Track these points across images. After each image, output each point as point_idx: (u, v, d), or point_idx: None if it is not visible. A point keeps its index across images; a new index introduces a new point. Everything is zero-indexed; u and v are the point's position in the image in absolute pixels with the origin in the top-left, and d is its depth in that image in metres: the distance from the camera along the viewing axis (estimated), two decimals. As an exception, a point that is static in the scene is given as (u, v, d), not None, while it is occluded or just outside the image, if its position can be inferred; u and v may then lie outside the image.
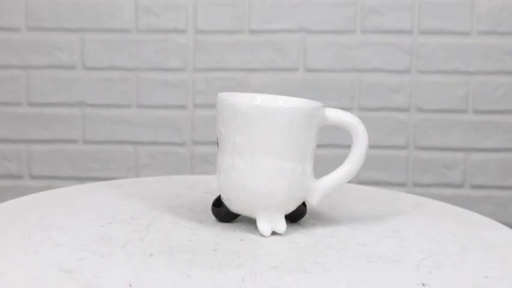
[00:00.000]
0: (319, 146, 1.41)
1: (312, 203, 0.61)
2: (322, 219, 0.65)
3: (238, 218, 0.64)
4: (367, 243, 0.58)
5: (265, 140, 0.58)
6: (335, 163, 1.41)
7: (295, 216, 0.63)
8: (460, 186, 1.41)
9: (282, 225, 0.60)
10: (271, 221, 0.60)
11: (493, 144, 1.40)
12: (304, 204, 0.63)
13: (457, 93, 1.39)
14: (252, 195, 0.59)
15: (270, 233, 0.60)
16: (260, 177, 0.58)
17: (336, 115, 0.61)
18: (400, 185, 1.41)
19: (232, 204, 0.61)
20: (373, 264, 0.53)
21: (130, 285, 0.49)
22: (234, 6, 1.39)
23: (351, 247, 0.57)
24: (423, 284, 0.50)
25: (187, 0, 1.39)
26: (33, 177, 1.43)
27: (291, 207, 0.60)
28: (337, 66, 1.39)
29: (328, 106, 1.40)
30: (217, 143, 0.61)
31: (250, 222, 0.63)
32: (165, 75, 1.41)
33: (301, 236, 0.60)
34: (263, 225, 0.59)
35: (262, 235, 0.59)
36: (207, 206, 0.68)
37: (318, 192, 0.61)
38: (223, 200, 0.62)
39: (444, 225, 0.64)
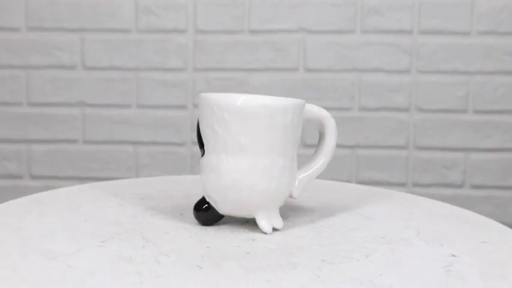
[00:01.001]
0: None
1: (295, 196, 0.63)
2: (319, 213, 0.65)
3: (223, 219, 0.64)
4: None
5: (270, 139, 0.59)
6: (335, 163, 1.41)
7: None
8: (460, 186, 1.41)
9: (279, 220, 0.61)
10: (270, 218, 0.60)
11: (493, 144, 1.40)
12: None
13: (457, 93, 1.39)
14: (255, 194, 0.60)
15: (272, 229, 0.61)
16: (263, 176, 0.59)
17: (312, 110, 0.63)
18: (400, 185, 1.41)
19: (227, 206, 0.60)
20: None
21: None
22: (234, 6, 1.39)
23: (350, 240, 0.57)
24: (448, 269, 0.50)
25: (187, 0, 1.39)
26: (33, 177, 1.43)
27: (283, 202, 0.62)
28: (337, 66, 1.39)
29: (329, 106, 1.41)
30: (203, 145, 0.61)
31: (237, 223, 0.63)
32: (165, 75, 1.41)
33: (301, 230, 0.60)
34: (265, 223, 0.60)
35: (264, 232, 0.60)
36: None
37: (300, 185, 0.63)
38: (212, 203, 0.61)
39: (444, 225, 0.64)
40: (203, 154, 0.61)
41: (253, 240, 0.59)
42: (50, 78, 1.41)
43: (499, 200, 1.41)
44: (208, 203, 0.61)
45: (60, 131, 1.42)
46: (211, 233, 0.60)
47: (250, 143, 0.59)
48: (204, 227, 0.61)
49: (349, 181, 1.40)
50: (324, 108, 1.43)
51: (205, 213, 0.62)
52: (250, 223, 0.63)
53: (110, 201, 0.70)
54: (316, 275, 0.50)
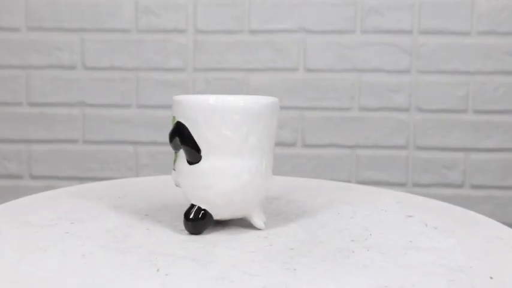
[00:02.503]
0: (319, 146, 1.41)
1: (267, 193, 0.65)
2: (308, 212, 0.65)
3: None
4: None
5: (270, 138, 0.60)
6: (335, 163, 1.41)
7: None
8: (460, 186, 1.41)
9: (263, 217, 0.63)
10: (260, 215, 0.62)
11: (493, 144, 1.40)
12: None
13: (457, 93, 1.39)
14: (259, 193, 0.60)
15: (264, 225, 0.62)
16: (266, 175, 0.60)
17: None
18: (400, 185, 1.41)
19: (227, 210, 0.59)
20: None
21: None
22: (234, 6, 1.39)
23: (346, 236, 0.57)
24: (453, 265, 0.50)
25: (187, 0, 1.39)
26: (33, 177, 1.43)
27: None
28: (337, 66, 1.39)
29: (329, 106, 1.41)
30: (199, 151, 0.58)
31: (228, 225, 0.63)
32: (165, 75, 1.41)
33: (282, 228, 0.60)
34: (259, 221, 0.62)
35: (259, 229, 0.61)
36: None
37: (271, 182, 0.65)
38: (209, 210, 0.59)
39: (444, 225, 0.64)
40: (198, 160, 0.58)
41: (266, 237, 0.59)
42: (50, 78, 1.41)
43: (499, 200, 1.41)
44: (203, 210, 0.59)
45: (60, 131, 1.42)
46: (215, 239, 0.60)
47: (257, 143, 0.59)
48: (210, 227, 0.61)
49: (349, 181, 1.40)
50: (324, 108, 1.44)
51: (202, 221, 0.59)
52: (236, 223, 0.63)
53: (111, 201, 0.70)
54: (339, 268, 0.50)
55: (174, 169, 0.61)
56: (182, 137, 0.58)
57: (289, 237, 0.59)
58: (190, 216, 0.59)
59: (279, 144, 1.41)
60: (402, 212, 0.68)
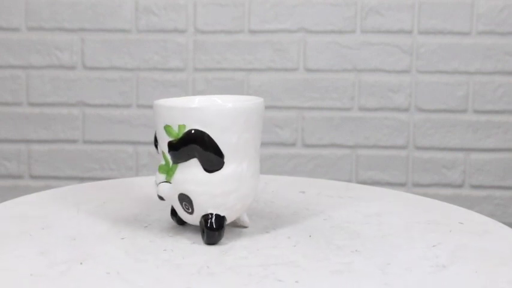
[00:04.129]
0: (319, 146, 1.41)
1: None
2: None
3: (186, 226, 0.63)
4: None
5: (259, 139, 0.60)
6: (335, 163, 1.41)
7: None
8: (460, 186, 1.41)
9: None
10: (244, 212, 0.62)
11: (493, 144, 1.40)
12: None
13: (457, 93, 1.39)
14: (254, 194, 0.60)
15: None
16: (258, 176, 0.60)
17: None
18: (400, 185, 1.41)
19: (234, 214, 0.59)
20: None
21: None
22: (234, 6, 1.39)
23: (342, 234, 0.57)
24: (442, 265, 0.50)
25: (187, 0, 1.39)
26: (33, 177, 1.43)
27: None
28: (337, 66, 1.39)
29: (329, 106, 1.41)
30: (221, 158, 0.57)
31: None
32: (165, 75, 1.41)
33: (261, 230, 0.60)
34: (246, 218, 0.63)
35: (246, 226, 0.62)
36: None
37: None
38: (226, 216, 0.58)
39: (443, 225, 0.64)
40: (221, 166, 0.57)
41: (289, 237, 0.59)
42: (50, 78, 1.41)
43: (499, 200, 1.41)
44: (222, 216, 0.58)
45: (60, 131, 1.42)
46: (236, 245, 0.60)
47: (258, 143, 0.59)
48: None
49: (349, 181, 1.40)
50: (324, 108, 1.44)
51: (223, 229, 0.58)
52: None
53: (111, 201, 0.70)
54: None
55: (166, 182, 0.58)
56: (204, 145, 0.56)
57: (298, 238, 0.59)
58: (214, 226, 0.57)
59: (279, 144, 1.41)
60: (402, 211, 0.68)
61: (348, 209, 0.69)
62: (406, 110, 1.40)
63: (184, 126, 0.56)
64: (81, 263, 0.52)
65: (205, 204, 0.57)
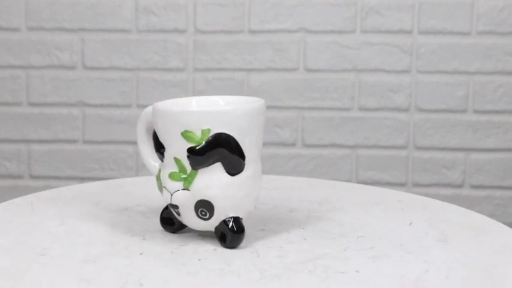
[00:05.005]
0: (319, 146, 1.41)
1: None
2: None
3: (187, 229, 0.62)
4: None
5: (262, 139, 0.59)
6: (335, 163, 1.41)
7: None
8: (460, 186, 1.41)
9: None
10: None
11: (493, 144, 1.40)
12: None
13: (457, 93, 1.39)
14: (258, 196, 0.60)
15: None
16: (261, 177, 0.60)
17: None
18: (400, 185, 1.41)
19: (247, 213, 0.59)
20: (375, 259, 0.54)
21: (141, 284, 0.49)
22: (234, 6, 1.39)
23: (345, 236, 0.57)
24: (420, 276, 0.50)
25: (187, 0, 1.39)
26: (33, 177, 1.43)
27: None
28: (337, 66, 1.39)
29: (328, 106, 1.41)
30: (244, 158, 0.56)
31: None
32: (165, 75, 1.41)
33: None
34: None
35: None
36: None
37: None
38: (244, 218, 0.58)
39: (443, 225, 0.64)
40: (243, 168, 0.56)
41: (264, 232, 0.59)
42: (50, 78, 1.41)
43: (499, 200, 1.41)
44: (241, 218, 0.57)
45: (60, 131, 1.42)
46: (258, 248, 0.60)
47: (261, 145, 0.59)
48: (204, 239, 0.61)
49: (349, 181, 1.40)
50: (324, 108, 1.43)
51: (244, 232, 0.57)
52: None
53: (112, 201, 0.70)
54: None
55: (183, 190, 0.56)
56: (231, 148, 0.55)
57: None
58: (238, 229, 0.57)
59: (279, 144, 1.41)
60: (401, 211, 0.68)
61: (348, 209, 0.69)
62: (406, 110, 1.40)
63: (209, 130, 0.55)
64: (86, 265, 0.52)
65: (227, 208, 0.56)
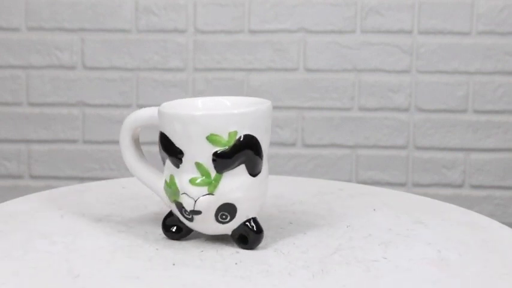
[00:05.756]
0: (319, 146, 1.41)
1: None
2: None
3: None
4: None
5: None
6: (335, 163, 1.41)
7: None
8: (460, 186, 1.41)
9: None
10: None
11: (493, 144, 1.40)
12: None
13: (457, 93, 1.39)
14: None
15: None
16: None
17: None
18: (400, 185, 1.41)
19: (260, 212, 0.59)
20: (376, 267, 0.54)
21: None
22: (234, 6, 1.39)
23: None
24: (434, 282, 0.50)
25: (187, 0, 1.39)
26: (33, 177, 1.43)
27: None
28: (337, 66, 1.39)
29: (328, 106, 1.41)
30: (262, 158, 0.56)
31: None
32: (165, 75, 1.41)
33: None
34: None
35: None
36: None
37: None
38: (256, 216, 0.57)
39: (443, 225, 0.64)
40: (261, 169, 0.57)
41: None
42: (50, 78, 1.41)
43: (499, 200, 1.41)
44: (257, 220, 0.58)
45: (60, 131, 1.42)
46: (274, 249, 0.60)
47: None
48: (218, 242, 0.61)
49: (349, 181, 1.40)
50: (324, 108, 1.43)
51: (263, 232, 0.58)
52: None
53: (112, 201, 0.70)
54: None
55: (208, 195, 0.55)
56: (256, 149, 0.55)
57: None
58: (259, 229, 0.57)
59: (279, 144, 1.41)
60: (401, 211, 0.68)
61: (349, 209, 0.69)
62: (406, 110, 1.40)
63: (235, 132, 0.54)
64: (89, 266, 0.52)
65: (249, 209, 0.56)
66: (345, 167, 1.41)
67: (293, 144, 1.40)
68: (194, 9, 1.40)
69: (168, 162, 0.56)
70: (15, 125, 1.42)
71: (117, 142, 1.42)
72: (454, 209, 0.70)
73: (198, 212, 0.55)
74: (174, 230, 0.58)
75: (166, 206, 0.60)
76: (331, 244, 0.58)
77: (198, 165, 0.55)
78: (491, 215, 1.39)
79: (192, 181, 0.55)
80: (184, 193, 0.55)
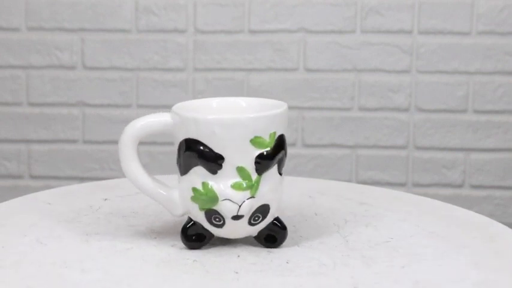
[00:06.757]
0: (319, 146, 1.41)
1: None
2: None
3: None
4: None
5: None
6: (335, 163, 1.41)
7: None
8: (460, 186, 1.41)
9: None
10: None
11: (493, 144, 1.40)
12: None
13: (457, 93, 1.39)
14: None
15: None
16: None
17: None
18: (400, 185, 1.41)
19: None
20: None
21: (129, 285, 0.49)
22: (234, 6, 1.39)
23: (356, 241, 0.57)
24: (417, 282, 0.50)
25: (187, 0, 1.39)
26: (33, 177, 1.43)
27: None
28: (337, 66, 1.39)
29: (328, 106, 1.41)
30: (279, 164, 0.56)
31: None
32: (165, 75, 1.41)
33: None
34: None
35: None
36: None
37: None
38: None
39: (443, 225, 0.64)
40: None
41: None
42: (50, 78, 1.41)
43: (499, 200, 1.41)
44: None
45: (60, 131, 1.42)
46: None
47: None
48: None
49: (349, 181, 1.40)
50: (324, 108, 1.43)
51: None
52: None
53: (112, 201, 0.70)
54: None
55: (250, 198, 0.54)
56: (286, 148, 0.56)
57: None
58: (284, 227, 0.57)
59: (279, 144, 1.40)
60: (401, 211, 0.68)
61: (348, 209, 0.69)
62: (406, 110, 1.40)
63: (274, 133, 0.55)
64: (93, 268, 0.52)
65: (277, 208, 0.57)
66: (345, 167, 1.41)
67: (293, 144, 1.40)
68: (194, 9, 1.40)
69: (198, 169, 0.54)
70: (15, 125, 1.42)
71: (117, 142, 1.41)
72: (454, 209, 0.70)
73: (241, 217, 0.54)
74: (195, 238, 0.56)
75: (174, 216, 0.58)
76: (332, 243, 0.58)
77: (240, 170, 0.54)
78: (491, 215, 1.39)
79: (235, 186, 0.54)
80: (226, 199, 0.54)
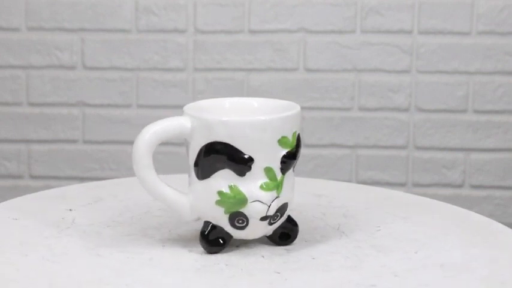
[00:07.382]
0: (319, 146, 1.41)
1: None
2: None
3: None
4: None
5: None
6: (335, 163, 1.41)
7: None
8: (460, 186, 1.41)
9: None
10: None
11: (493, 144, 1.40)
12: None
13: (457, 93, 1.39)
14: None
15: None
16: None
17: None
18: (400, 185, 1.41)
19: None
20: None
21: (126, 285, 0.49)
22: (234, 6, 1.39)
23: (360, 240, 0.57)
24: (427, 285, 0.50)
25: (187, 0, 1.39)
26: (33, 177, 1.43)
27: None
28: (337, 66, 1.39)
29: (328, 106, 1.41)
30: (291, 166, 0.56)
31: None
32: (165, 75, 1.41)
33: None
34: None
35: None
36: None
37: None
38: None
39: (444, 226, 0.64)
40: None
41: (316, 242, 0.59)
42: (50, 78, 1.41)
43: (499, 200, 1.41)
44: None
45: (60, 131, 1.42)
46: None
47: None
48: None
49: (349, 181, 1.40)
50: (324, 108, 1.44)
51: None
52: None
53: (112, 201, 0.70)
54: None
55: (277, 198, 0.54)
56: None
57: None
58: (296, 224, 0.58)
59: (279, 144, 1.40)
60: (401, 211, 0.68)
61: (349, 209, 0.69)
62: (406, 110, 1.40)
63: (295, 132, 0.55)
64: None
65: (291, 206, 0.57)
66: (345, 167, 1.41)
67: (293, 144, 1.40)
68: (194, 9, 1.40)
69: (224, 172, 0.53)
70: (15, 125, 1.42)
71: (117, 142, 1.42)
72: (454, 209, 0.70)
73: (268, 217, 0.54)
74: (217, 242, 0.55)
75: (187, 222, 0.57)
76: (333, 243, 0.58)
77: (268, 170, 0.54)
78: (491, 215, 1.39)
79: (263, 187, 0.54)
80: (255, 200, 0.54)
